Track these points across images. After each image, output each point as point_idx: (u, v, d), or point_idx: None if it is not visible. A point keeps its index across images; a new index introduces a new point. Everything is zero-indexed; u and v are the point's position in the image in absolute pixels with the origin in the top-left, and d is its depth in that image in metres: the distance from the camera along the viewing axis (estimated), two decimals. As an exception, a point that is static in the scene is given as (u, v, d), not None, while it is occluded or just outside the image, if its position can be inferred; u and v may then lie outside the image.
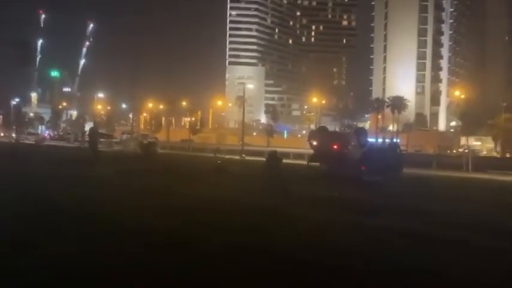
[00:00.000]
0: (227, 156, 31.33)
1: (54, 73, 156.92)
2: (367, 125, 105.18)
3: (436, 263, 5.16)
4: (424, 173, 23.68)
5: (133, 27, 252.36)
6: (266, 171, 11.36)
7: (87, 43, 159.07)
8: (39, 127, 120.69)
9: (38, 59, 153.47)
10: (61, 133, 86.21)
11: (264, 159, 16.39)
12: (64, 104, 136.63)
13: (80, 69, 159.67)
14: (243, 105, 45.58)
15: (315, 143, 17.55)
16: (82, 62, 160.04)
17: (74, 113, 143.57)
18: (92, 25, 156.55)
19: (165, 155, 24.44)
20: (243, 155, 32.59)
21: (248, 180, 14.52)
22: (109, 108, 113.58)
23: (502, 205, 11.08)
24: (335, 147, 16.75)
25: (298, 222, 7.41)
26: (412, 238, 6.47)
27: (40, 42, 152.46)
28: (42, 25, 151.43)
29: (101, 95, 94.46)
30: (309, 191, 11.71)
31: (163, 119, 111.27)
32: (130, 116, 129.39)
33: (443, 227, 7.43)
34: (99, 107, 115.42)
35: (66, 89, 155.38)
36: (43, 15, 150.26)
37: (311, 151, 19.83)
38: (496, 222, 8.21)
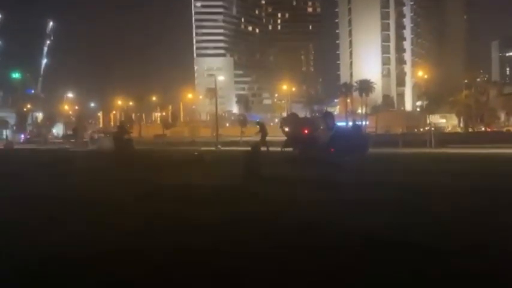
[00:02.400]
0: (203, 148, 31.97)
1: (16, 75, 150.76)
2: (336, 109, 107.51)
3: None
4: (389, 152, 25.04)
5: (95, 24, 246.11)
6: (246, 159, 12.35)
7: (48, 42, 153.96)
8: (4, 131, 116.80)
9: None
10: (28, 136, 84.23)
11: (238, 148, 17.23)
12: (29, 106, 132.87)
13: (42, 69, 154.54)
14: (216, 97, 46.20)
15: (286, 129, 18.51)
16: (44, 61, 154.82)
17: (40, 115, 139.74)
18: (51, 23, 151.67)
19: (141, 151, 24.90)
20: (218, 146, 33.30)
21: (224, 168, 15.39)
22: (77, 108, 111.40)
23: (442, 172, 12.63)
24: (305, 131, 17.78)
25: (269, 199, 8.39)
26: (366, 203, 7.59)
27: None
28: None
29: (70, 94, 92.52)
30: (280, 173, 12.75)
31: (133, 115, 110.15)
32: (99, 114, 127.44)
33: (388, 192, 8.66)
34: (66, 107, 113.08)
35: (29, 90, 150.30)
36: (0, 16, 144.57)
37: (284, 138, 20.83)
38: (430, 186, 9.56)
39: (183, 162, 17.01)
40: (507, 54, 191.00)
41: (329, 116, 19.41)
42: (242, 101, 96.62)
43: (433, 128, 63.60)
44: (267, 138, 25.49)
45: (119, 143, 18.95)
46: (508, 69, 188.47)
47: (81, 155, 23.67)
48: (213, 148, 32.62)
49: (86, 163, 16.17)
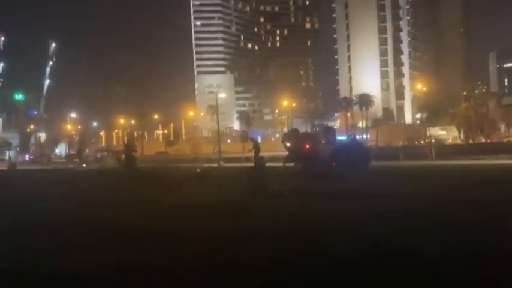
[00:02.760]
0: (205, 165, 32.31)
1: (19, 96, 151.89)
2: (337, 123, 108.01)
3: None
4: (391, 164, 25.32)
5: (97, 45, 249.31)
6: (250, 174, 12.71)
7: (51, 63, 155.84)
8: (7, 152, 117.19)
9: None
10: (31, 156, 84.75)
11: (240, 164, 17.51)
12: (32, 126, 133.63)
13: (44, 90, 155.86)
14: (217, 114, 46.73)
15: (288, 144, 18.85)
16: (46, 82, 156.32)
17: (43, 135, 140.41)
18: (54, 44, 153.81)
19: (145, 169, 25.20)
20: (221, 162, 33.61)
21: (229, 184, 15.66)
22: (79, 127, 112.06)
23: (445, 184, 12.88)
24: (307, 146, 18.12)
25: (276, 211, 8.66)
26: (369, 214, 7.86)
27: (1, 65, 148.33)
28: (1, 48, 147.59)
29: (73, 114, 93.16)
30: (285, 187, 13.02)
31: (135, 133, 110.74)
32: (101, 133, 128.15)
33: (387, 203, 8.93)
34: (69, 126, 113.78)
35: (32, 111, 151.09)
36: (2, 38, 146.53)
37: (285, 153, 21.16)
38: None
39: (186, 179, 17.30)
40: (505, 65, 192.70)
41: (330, 130, 19.81)
42: (243, 117, 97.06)
43: (433, 140, 64.08)
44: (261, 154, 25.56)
45: (128, 160, 19.28)
46: (506, 80, 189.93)
47: (86, 174, 23.98)
48: (216, 165, 32.96)
49: (94, 182, 16.45)
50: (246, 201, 10.46)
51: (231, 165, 32.28)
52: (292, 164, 20.07)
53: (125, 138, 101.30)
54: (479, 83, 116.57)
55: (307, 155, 18.31)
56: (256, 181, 12.46)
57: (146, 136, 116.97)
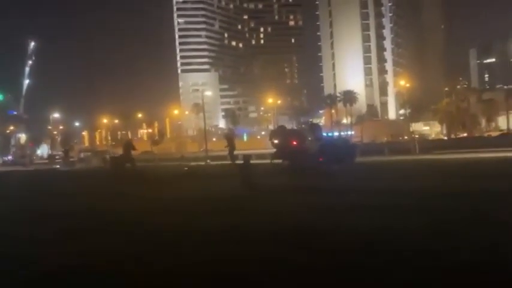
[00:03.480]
0: (192, 163, 32.22)
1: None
2: (322, 120, 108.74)
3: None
4: (376, 160, 25.70)
5: (78, 43, 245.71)
6: (241, 171, 12.83)
7: (30, 62, 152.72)
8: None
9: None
10: (10, 157, 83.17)
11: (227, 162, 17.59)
12: (11, 127, 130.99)
13: (24, 90, 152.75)
14: (203, 112, 46.78)
15: (276, 141, 18.97)
16: (26, 82, 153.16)
17: (23, 136, 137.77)
18: (33, 43, 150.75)
19: (134, 168, 25.05)
20: (208, 161, 33.58)
21: (218, 181, 15.73)
22: (61, 127, 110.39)
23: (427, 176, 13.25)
24: (294, 143, 18.28)
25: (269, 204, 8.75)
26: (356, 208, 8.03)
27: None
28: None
29: (56, 114, 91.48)
30: (273, 183, 13.15)
31: (118, 133, 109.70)
32: (83, 133, 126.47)
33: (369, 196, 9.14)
34: (50, 127, 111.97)
35: (11, 112, 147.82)
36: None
37: (272, 150, 21.26)
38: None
39: (175, 177, 17.31)
40: (485, 61, 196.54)
41: (316, 127, 20.02)
42: (229, 115, 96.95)
43: (416, 136, 65.01)
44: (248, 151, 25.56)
45: (127, 160, 19.20)
46: (486, 75, 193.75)
47: (75, 174, 23.73)
48: (203, 163, 32.90)
49: (88, 181, 16.32)
50: (239, 197, 10.56)
51: (218, 163, 32.25)
52: (279, 161, 20.20)
53: (120, 138, 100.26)
54: (460, 78, 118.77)
55: (295, 152, 18.46)
56: (246, 178, 12.53)
57: (130, 135, 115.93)
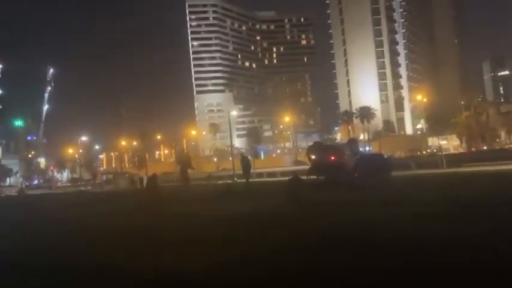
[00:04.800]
0: (220, 182, 32.67)
1: (18, 122, 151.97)
2: (337, 136, 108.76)
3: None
4: (407, 174, 25.76)
5: (96, 70, 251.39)
6: (288, 187, 13.23)
7: (49, 88, 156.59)
8: (8, 179, 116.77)
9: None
10: (36, 181, 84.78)
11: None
12: (33, 152, 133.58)
13: (43, 116, 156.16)
14: (230, 132, 47.70)
15: (313, 157, 19.27)
16: (45, 107, 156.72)
17: (42, 160, 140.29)
18: (51, 70, 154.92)
19: (166, 188, 25.53)
20: (235, 179, 33.98)
21: (260, 197, 16.08)
22: (80, 151, 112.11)
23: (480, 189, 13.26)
24: (332, 158, 18.57)
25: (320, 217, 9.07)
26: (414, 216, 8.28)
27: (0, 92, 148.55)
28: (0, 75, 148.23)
29: (84, 137, 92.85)
30: (319, 198, 13.44)
31: (136, 155, 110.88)
32: (101, 156, 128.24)
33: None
34: (71, 151, 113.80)
35: (31, 137, 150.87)
36: (0, 65, 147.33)
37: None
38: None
39: (221, 194, 17.71)
40: (499, 74, 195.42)
41: (353, 142, 20.30)
42: (251, 134, 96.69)
43: (434, 150, 64.60)
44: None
45: (183, 176, 19.96)
46: (501, 88, 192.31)
47: (110, 195, 24.30)
48: (230, 181, 33.30)
49: (132, 202, 16.79)
50: (293, 210, 10.88)
51: (243, 181, 32.61)
52: (314, 177, 20.42)
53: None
54: (474, 92, 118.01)
55: (332, 167, 18.71)
56: (294, 192, 12.89)
57: (147, 157, 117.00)
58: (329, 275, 4.83)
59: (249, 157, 29.12)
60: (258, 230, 8.28)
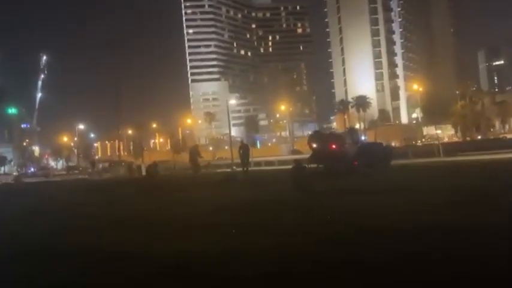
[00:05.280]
0: (218, 170, 32.73)
1: (12, 110, 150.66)
2: (333, 125, 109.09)
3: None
4: (405, 162, 25.92)
5: (89, 57, 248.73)
6: (292, 175, 13.30)
7: (42, 76, 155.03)
8: (2, 167, 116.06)
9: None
10: (32, 169, 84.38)
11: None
12: (27, 140, 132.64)
13: (37, 104, 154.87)
14: (229, 121, 47.83)
15: (314, 145, 19.39)
16: (39, 95, 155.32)
17: (36, 149, 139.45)
18: (45, 57, 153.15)
19: (165, 176, 25.60)
20: (234, 167, 34.04)
21: (265, 184, 16.18)
22: (76, 139, 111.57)
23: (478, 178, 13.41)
24: (333, 146, 18.70)
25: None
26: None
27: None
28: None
29: (81, 126, 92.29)
30: (321, 186, 13.51)
31: (131, 143, 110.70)
32: (96, 145, 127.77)
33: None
34: (65, 139, 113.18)
35: (25, 125, 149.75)
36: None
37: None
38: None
39: (223, 182, 17.80)
40: (494, 64, 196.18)
41: (354, 131, 20.44)
42: (249, 122, 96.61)
43: (431, 140, 65.04)
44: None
45: (193, 164, 20.28)
46: (495, 78, 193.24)
47: (112, 182, 24.32)
48: (229, 170, 33.38)
49: (138, 189, 16.81)
50: (301, 198, 10.98)
51: (242, 169, 32.70)
52: (314, 165, 20.55)
53: (132, 148, 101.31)
54: (469, 81, 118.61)
55: (332, 155, 18.84)
56: (299, 179, 12.99)
57: (142, 146, 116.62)
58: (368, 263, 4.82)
59: (248, 145, 29.16)
60: (270, 216, 8.36)
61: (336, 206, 9.33)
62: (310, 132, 29.50)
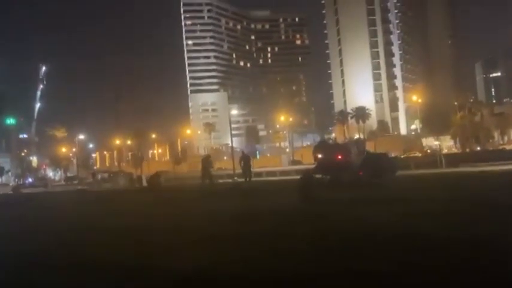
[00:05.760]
0: (220, 181, 32.57)
1: (10, 120, 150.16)
2: (332, 136, 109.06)
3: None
4: (408, 173, 25.86)
5: (88, 66, 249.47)
6: (301, 185, 13.22)
7: (41, 86, 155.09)
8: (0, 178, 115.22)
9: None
10: (30, 180, 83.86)
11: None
12: (25, 151, 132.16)
13: (35, 114, 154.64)
14: (230, 132, 47.58)
15: (320, 155, 19.31)
16: (37, 105, 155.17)
17: (34, 159, 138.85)
18: (44, 68, 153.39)
19: (169, 187, 25.42)
20: (235, 178, 33.94)
21: (269, 194, 16.06)
22: (74, 150, 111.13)
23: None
24: (339, 157, 18.63)
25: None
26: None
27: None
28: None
29: (81, 136, 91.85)
30: (328, 196, 13.43)
31: (129, 154, 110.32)
32: (94, 155, 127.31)
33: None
34: (64, 149, 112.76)
35: (23, 135, 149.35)
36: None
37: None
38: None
39: (229, 192, 17.67)
40: (491, 75, 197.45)
41: (360, 142, 20.40)
42: (250, 133, 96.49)
43: (430, 151, 64.95)
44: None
45: (206, 175, 20.25)
46: (493, 89, 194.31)
47: (113, 193, 24.12)
48: (230, 180, 33.24)
49: (144, 201, 16.63)
50: (312, 207, 10.88)
51: (243, 180, 32.55)
52: (319, 176, 20.44)
53: (130, 159, 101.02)
54: (467, 93, 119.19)
55: (338, 166, 18.77)
56: (306, 189, 12.90)
57: (141, 155, 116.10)
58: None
59: (249, 156, 29.06)
60: (280, 226, 8.25)
61: (351, 216, 9.23)
62: (314, 143, 29.40)
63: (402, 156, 60.64)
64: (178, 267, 5.41)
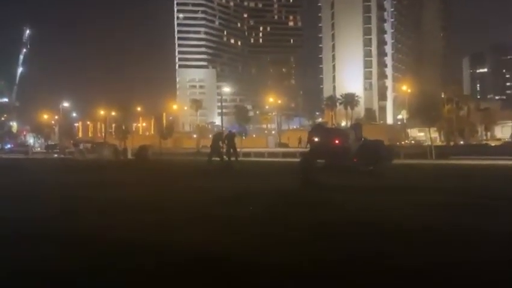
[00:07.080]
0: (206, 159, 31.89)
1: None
2: (319, 120, 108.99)
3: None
4: (399, 163, 25.67)
5: (76, 34, 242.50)
6: (300, 169, 12.75)
7: (24, 50, 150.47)
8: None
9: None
10: (9, 145, 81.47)
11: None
12: (5, 115, 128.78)
13: (17, 78, 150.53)
14: (221, 110, 46.77)
15: (316, 139, 18.86)
16: (20, 70, 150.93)
17: (14, 124, 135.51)
18: (28, 31, 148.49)
19: (156, 161, 24.69)
20: (224, 157, 33.27)
21: (262, 176, 15.61)
22: (56, 117, 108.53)
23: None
24: (336, 142, 18.21)
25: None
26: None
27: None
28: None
29: (66, 104, 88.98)
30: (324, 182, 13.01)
31: (113, 125, 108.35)
32: (76, 125, 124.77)
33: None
34: (46, 116, 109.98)
35: (3, 99, 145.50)
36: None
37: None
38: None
39: (220, 171, 17.16)
40: (477, 71, 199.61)
41: (358, 127, 19.98)
42: (239, 113, 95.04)
43: (415, 142, 65.30)
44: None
45: (216, 151, 19.55)
46: (478, 85, 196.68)
47: (97, 164, 23.34)
48: (218, 158, 32.64)
49: (136, 172, 15.95)
50: (313, 192, 10.44)
51: (232, 159, 32.02)
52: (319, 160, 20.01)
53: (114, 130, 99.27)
54: (454, 86, 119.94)
55: (334, 151, 18.36)
56: (307, 174, 12.44)
57: (124, 128, 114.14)
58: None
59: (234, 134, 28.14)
60: (280, 209, 7.79)
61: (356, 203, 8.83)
62: (301, 126, 28.87)
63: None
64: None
